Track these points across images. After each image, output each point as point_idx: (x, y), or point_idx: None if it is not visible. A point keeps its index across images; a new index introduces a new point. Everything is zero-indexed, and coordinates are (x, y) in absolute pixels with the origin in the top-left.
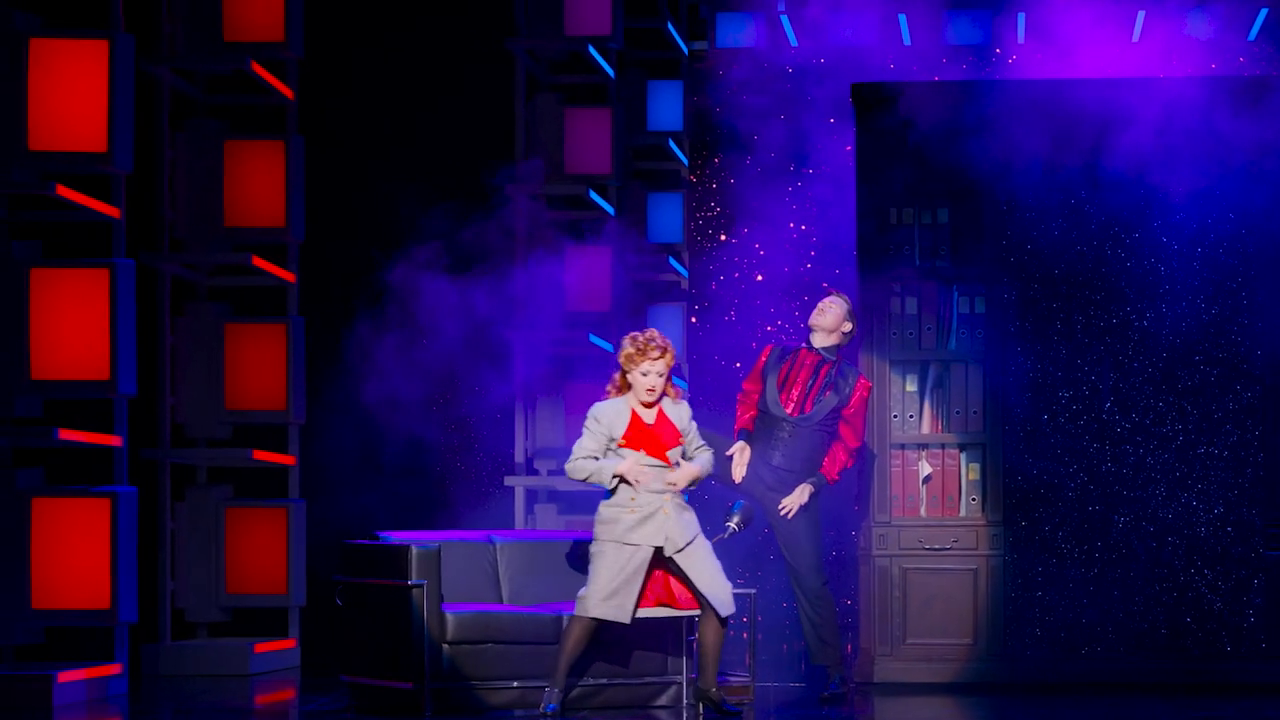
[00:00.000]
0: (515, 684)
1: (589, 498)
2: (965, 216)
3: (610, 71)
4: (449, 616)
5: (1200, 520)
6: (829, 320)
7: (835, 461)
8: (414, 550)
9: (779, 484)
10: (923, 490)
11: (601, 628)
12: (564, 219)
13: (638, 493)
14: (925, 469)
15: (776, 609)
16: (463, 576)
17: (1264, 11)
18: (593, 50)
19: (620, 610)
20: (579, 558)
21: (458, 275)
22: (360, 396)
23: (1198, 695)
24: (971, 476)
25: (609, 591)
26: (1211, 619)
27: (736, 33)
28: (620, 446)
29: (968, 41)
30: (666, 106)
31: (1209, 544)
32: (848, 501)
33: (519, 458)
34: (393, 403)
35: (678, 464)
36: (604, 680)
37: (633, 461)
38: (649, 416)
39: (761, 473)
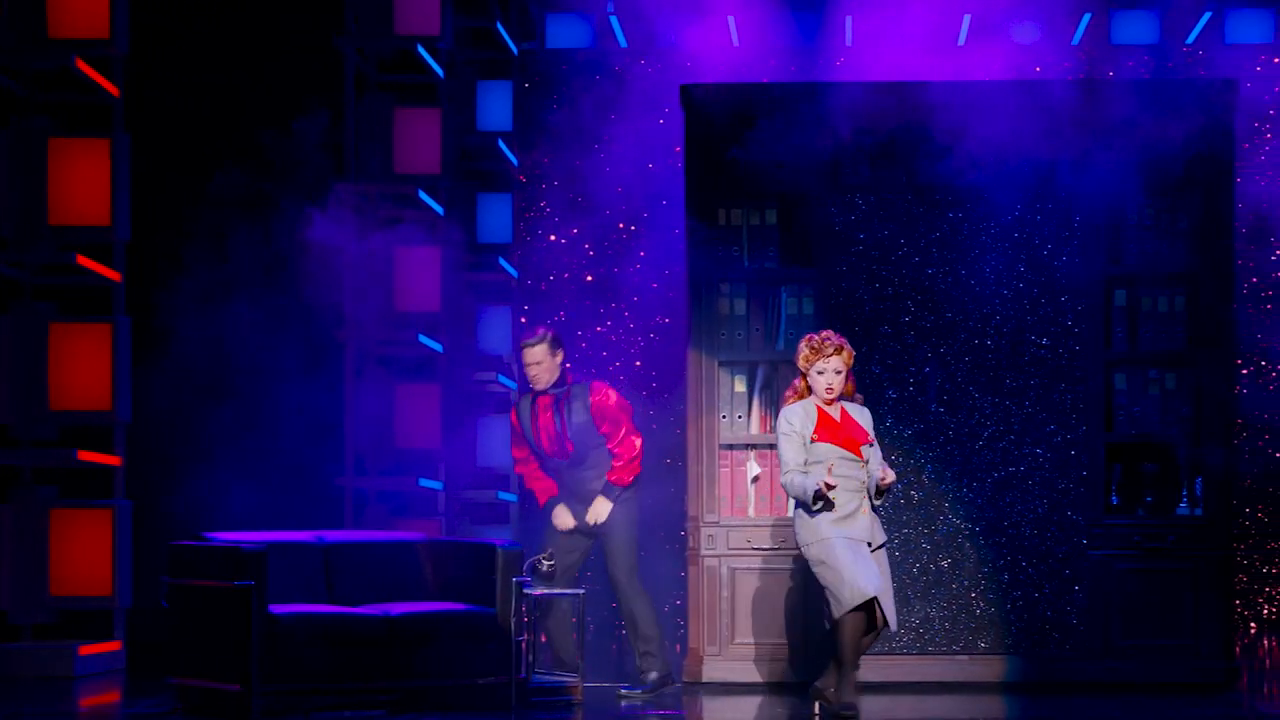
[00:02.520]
0: (344, 685)
1: (419, 499)
2: (793, 218)
3: (440, 71)
4: (277, 618)
5: (1025, 520)
6: (543, 373)
7: (613, 470)
8: (241, 551)
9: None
10: (751, 490)
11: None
12: (393, 218)
13: (837, 493)
14: (754, 469)
15: (605, 609)
16: (291, 577)
17: (1087, 16)
18: (422, 50)
19: (873, 586)
20: (408, 559)
21: (286, 275)
22: (188, 396)
23: (1024, 694)
24: None
25: (862, 572)
26: (1037, 618)
27: (567, 33)
28: (813, 441)
29: (796, 44)
30: (496, 106)
31: (1034, 544)
32: (676, 501)
33: (349, 458)
34: (221, 403)
35: (868, 460)
36: (433, 681)
37: (824, 467)
38: (835, 414)
39: (573, 504)
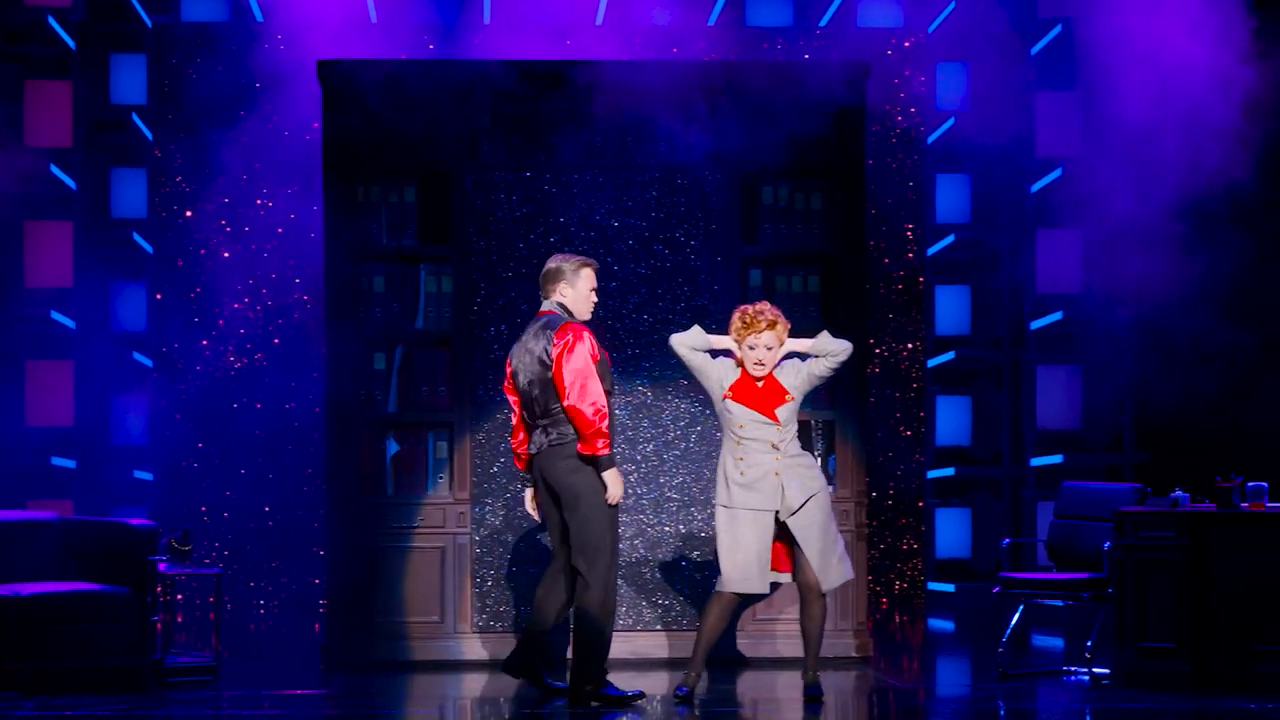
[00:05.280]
0: None
1: (51, 477)
2: (432, 195)
3: (71, 43)
4: None
5: (664, 500)
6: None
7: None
8: None
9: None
10: (390, 468)
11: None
12: (23, 193)
13: (748, 456)
14: (393, 447)
15: (243, 588)
16: None
17: None
18: (53, 21)
19: (754, 582)
20: (40, 538)
21: None
22: None
23: (674, 671)
24: (439, 455)
25: (743, 564)
26: (682, 597)
27: (202, 6)
28: (725, 398)
29: (434, 21)
30: (130, 80)
31: (680, 525)
32: (315, 479)
33: None
34: None
35: (788, 422)
36: (67, 662)
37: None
38: (759, 380)
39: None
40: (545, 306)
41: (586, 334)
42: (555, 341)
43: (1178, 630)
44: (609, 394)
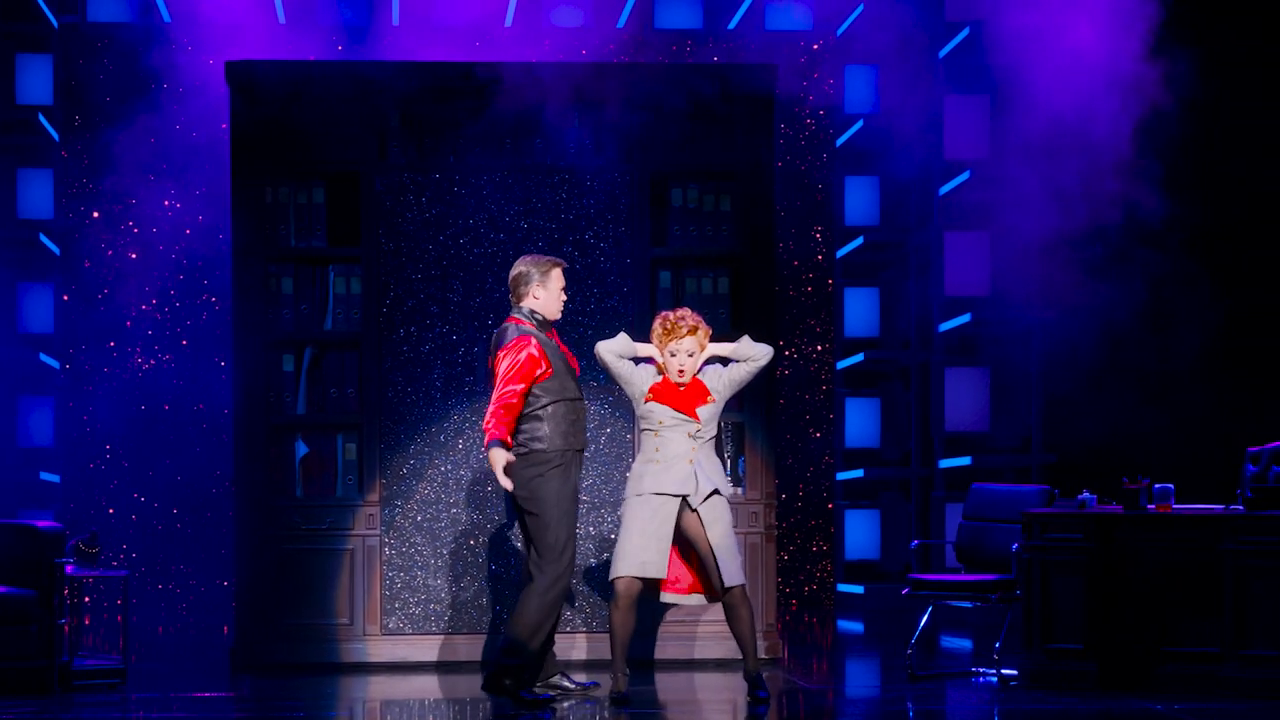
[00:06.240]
0: None
1: None
2: (341, 196)
3: None
4: None
5: (580, 504)
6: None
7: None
8: None
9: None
10: (299, 470)
11: None
12: None
13: (664, 446)
14: (302, 448)
15: (152, 591)
16: None
17: (631, 0)
18: None
19: (651, 566)
20: None
21: None
22: None
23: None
24: (348, 457)
25: (639, 546)
26: (595, 600)
27: (109, 7)
28: (647, 400)
29: (343, 22)
30: (36, 80)
31: (590, 527)
32: (225, 480)
33: None
34: None
35: (708, 421)
36: None
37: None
38: (682, 385)
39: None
40: (513, 314)
41: (532, 341)
42: (503, 346)
43: (1085, 631)
44: (578, 399)
